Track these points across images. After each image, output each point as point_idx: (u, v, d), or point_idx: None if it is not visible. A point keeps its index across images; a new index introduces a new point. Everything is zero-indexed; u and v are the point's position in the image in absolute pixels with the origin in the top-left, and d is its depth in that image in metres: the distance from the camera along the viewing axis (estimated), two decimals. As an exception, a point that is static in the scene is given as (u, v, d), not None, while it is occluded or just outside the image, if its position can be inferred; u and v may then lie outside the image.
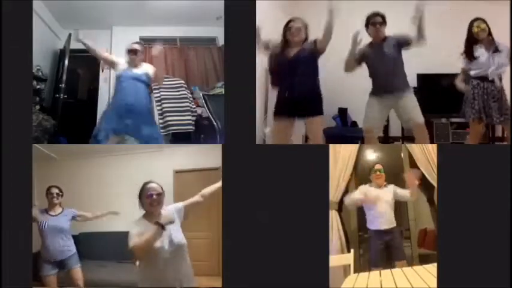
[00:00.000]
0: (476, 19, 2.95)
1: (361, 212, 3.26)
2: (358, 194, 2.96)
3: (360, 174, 3.16)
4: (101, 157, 3.43)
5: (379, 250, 2.88)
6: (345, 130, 3.97)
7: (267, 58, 3.01)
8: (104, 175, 3.49)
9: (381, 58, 2.94)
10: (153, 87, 3.83)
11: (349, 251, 2.93)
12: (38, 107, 3.50)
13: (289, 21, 2.96)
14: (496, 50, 2.92)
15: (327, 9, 2.82)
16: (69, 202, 2.91)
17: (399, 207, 3.01)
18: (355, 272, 2.67)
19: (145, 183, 2.09)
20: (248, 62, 2.58)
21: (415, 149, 3.12)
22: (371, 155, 3.33)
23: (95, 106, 3.93)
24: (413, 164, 3.17)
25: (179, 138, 3.64)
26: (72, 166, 3.45)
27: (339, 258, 2.81)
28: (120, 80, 3.08)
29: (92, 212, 2.91)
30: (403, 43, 2.93)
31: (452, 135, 3.92)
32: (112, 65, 3.22)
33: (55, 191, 2.83)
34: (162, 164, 3.36)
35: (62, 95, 3.80)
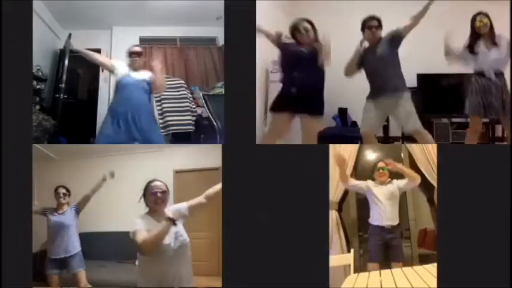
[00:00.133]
0: (479, 13, 2.96)
1: (361, 211, 3.27)
2: (362, 183, 2.97)
3: (360, 174, 3.16)
4: (101, 157, 3.43)
5: (378, 246, 2.87)
6: (345, 130, 3.97)
7: (279, 52, 3.00)
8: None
9: (376, 61, 2.93)
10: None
11: (349, 251, 2.93)
12: (38, 107, 3.50)
13: (295, 22, 2.94)
14: (494, 43, 2.92)
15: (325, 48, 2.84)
16: (70, 202, 2.90)
17: (399, 207, 3.00)
18: (355, 272, 2.67)
19: (150, 181, 2.09)
20: (248, 62, 2.58)
21: (415, 149, 3.12)
22: (371, 155, 3.33)
23: (95, 106, 3.93)
24: (413, 164, 3.18)
25: (179, 138, 3.64)
26: (72, 166, 3.45)
27: (339, 258, 2.81)
28: (120, 85, 2.99)
29: (89, 190, 2.85)
30: (396, 39, 2.92)
31: (452, 135, 3.92)
32: (110, 69, 3.13)
33: (62, 191, 2.85)
34: (162, 164, 3.37)
35: (62, 95, 3.80)
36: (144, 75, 3.03)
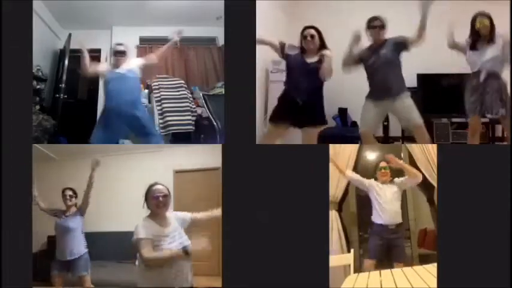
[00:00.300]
0: (480, 14, 2.94)
1: (361, 211, 3.27)
2: (364, 180, 2.98)
3: (360, 174, 3.16)
4: (101, 157, 3.42)
5: (378, 245, 2.87)
6: (345, 130, 3.96)
7: (285, 61, 3.00)
8: (103, 175, 3.48)
9: (378, 61, 2.93)
10: (153, 88, 3.85)
11: (349, 251, 2.93)
12: (38, 107, 3.51)
13: (304, 29, 2.94)
14: (491, 43, 2.91)
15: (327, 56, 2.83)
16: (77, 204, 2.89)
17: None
18: (355, 272, 2.67)
19: (152, 185, 2.09)
20: (248, 62, 2.58)
21: (415, 149, 3.12)
22: (371, 155, 3.34)
23: (95, 106, 3.93)
24: (413, 164, 3.18)
25: (179, 138, 3.64)
26: (72, 166, 3.45)
27: (339, 258, 2.81)
28: (105, 83, 3.05)
29: (85, 187, 2.83)
30: (401, 46, 2.93)
31: (452, 135, 3.92)
32: (102, 74, 3.16)
33: (69, 192, 2.84)
34: (162, 164, 3.36)
35: (62, 95, 3.80)
36: (127, 66, 3.05)
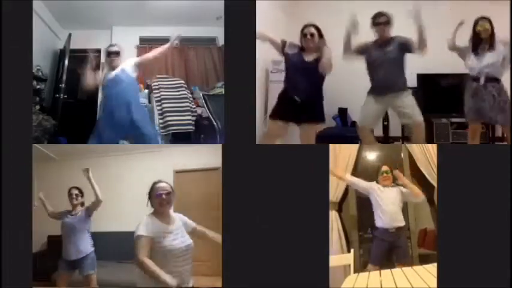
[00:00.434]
0: (482, 18, 2.94)
1: (361, 211, 3.26)
2: (365, 184, 2.98)
3: (360, 175, 3.16)
4: (101, 157, 3.43)
5: (381, 249, 2.87)
6: (345, 130, 3.97)
7: (284, 59, 3.00)
8: (104, 175, 3.48)
9: (383, 58, 2.94)
10: (153, 88, 3.85)
11: (349, 251, 2.93)
12: (38, 107, 3.51)
13: (304, 27, 2.94)
14: (491, 48, 2.91)
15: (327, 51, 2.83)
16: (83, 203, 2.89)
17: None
18: (355, 272, 2.67)
19: (155, 183, 2.08)
20: (248, 62, 2.58)
21: (415, 149, 3.12)
22: (371, 155, 3.33)
23: (95, 106, 3.92)
24: (413, 164, 3.18)
25: (179, 138, 3.64)
26: (72, 166, 3.45)
27: (339, 258, 2.81)
28: (102, 90, 3.06)
29: (94, 195, 2.79)
30: (407, 48, 2.93)
31: (452, 135, 3.92)
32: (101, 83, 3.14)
33: (75, 192, 2.83)
34: (162, 164, 3.36)
35: (62, 95, 3.80)
36: (120, 67, 3.03)
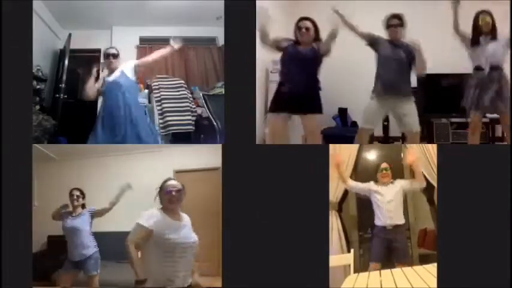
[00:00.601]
0: (482, 11, 2.96)
1: (361, 211, 3.26)
2: (364, 186, 2.98)
3: (360, 175, 3.16)
4: (101, 157, 3.43)
5: (381, 247, 2.87)
6: (345, 130, 3.97)
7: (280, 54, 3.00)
8: (104, 175, 3.49)
9: (394, 58, 2.95)
10: (153, 88, 3.85)
11: (349, 251, 2.93)
12: (38, 107, 3.50)
13: (299, 20, 2.94)
14: (494, 38, 2.92)
15: (332, 20, 2.83)
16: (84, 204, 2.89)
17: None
18: (355, 272, 2.67)
19: (166, 180, 2.09)
20: (248, 62, 2.58)
21: (415, 149, 3.12)
22: (371, 155, 3.33)
23: (95, 106, 3.93)
24: (413, 164, 3.18)
25: (179, 138, 3.64)
26: (72, 166, 3.45)
27: (339, 258, 2.81)
28: (103, 91, 3.05)
29: (107, 202, 2.84)
30: (412, 58, 2.94)
31: (452, 135, 3.92)
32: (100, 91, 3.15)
33: (76, 193, 2.83)
34: (162, 164, 3.36)
35: (62, 95, 3.79)
36: (120, 70, 3.04)
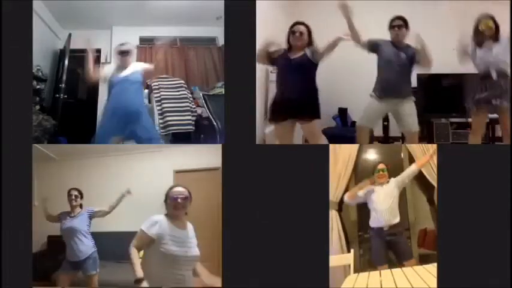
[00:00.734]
0: (484, 16, 2.93)
1: (361, 211, 3.26)
2: (361, 194, 2.97)
3: (360, 174, 3.16)
4: (101, 157, 3.42)
5: (380, 249, 2.87)
6: (345, 130, 3.97)
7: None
8: (104, 175, 3.49)
9: (395, 59, 2.95)
10: (153, 88, 3.85)
11: (349, 251, 2.93)
12: (38, 107, 3.51)
13: (293, 25, 2.94)
14: (497, 40, 2.89)
15: (335, 38, 2.84)
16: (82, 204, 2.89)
17: (399, 207, 3.00)
18: (355, 272, 2.67)
19: (172, 187, 2.10)
20: (248, 62, 2.58)
21: (415, 149, 3.12)
22: (371, 155, 3.33)
23: (95, 106, 3.93)
24: (413, 164, 3.17)
25: (179, 138, 3.64)
26: (72, 166, 3.45)
27: (339, 258, 2.81)
28: (111, 85, 3.04)
29: (107, 206, 2.85)
30: (415, 59, 2.95)
31: (452, 135, 3.92)
32: (103, 80, 3.16)
33: (74, 193, 2.83)
34: (162, 164, 3.36)
35: (62, 95, 3.80)
36: (132, 68, 3.04)
